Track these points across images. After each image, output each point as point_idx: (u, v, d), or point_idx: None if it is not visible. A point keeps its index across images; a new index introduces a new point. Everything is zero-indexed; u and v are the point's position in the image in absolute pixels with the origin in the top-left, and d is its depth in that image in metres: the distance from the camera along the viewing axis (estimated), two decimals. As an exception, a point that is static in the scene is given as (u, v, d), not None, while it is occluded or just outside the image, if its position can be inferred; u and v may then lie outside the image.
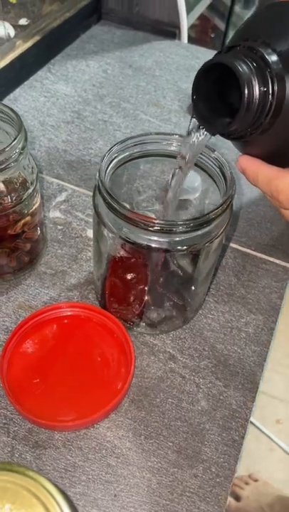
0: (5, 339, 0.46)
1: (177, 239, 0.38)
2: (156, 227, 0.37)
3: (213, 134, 0.34)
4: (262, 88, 0.28)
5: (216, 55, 0.31)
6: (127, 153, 0.42)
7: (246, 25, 0.31)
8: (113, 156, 0.40)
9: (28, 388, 0.43)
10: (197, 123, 0.34)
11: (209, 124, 0.33)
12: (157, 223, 0.37)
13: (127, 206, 0.39)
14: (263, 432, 1.11)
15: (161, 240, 0.38)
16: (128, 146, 0.41)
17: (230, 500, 1.00)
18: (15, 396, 0.42)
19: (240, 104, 0.28)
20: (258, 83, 0.28)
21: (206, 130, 0.34)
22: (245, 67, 0.28)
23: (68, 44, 0.85)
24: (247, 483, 1.07)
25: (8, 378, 0.43)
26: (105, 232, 0.41)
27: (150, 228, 0.37)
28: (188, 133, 0.35)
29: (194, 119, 0.34)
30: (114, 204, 0.37)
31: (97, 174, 0.39)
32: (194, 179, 0.48)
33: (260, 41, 0.29)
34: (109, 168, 0.40)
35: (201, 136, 0.34)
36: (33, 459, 0.40)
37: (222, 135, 0.33)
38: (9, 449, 0.40)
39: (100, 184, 0.38)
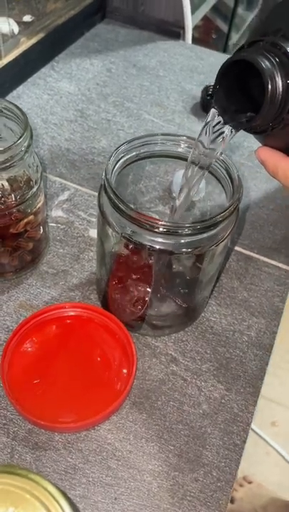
0: (6, 339, 0.46)
1: (182, 241, 0.38)
2: (161, 229, 0.37)
3: (237, 130, 0.34)
4: (285, 83, 0.28)
5: (237, 50, 0.31)
6: (134, 154, 0.41)
7: (267, 18, 0.31)
8: (120, 156, 0.40)
9: (28, 389, 0.43)
10: (218, 120, 0.34)
11: (232, 119, 0.33)
12: (163, 225, 0.36)
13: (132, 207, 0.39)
14: (259, 436, 1.11)
15: (166, 241, 0.38)
16: (135, 146, 0.41)
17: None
18: (15, 396, 0.42)
19: (264, 99, 0.28)
20: (281, 79, 0.28)
21: (229, 125, 0.34)
22: (268, 63, 0.28)
23: (72, 42, 0.84)
24: (241, 485, 1.07)
25: (9, 378, 0.43)
26: (110, 231, 0.41)
27: (156, 229, 0.37)
28: (205, 132, 0.35)
29: (212, 114, 0.34)
30: (120, 204, 0.37)
31: (104, 173, 0.39)
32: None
33: (280, 35, 0.28)
34: (115, 168, 0.40)
35: (226, 134, 0.34)
36: (32, 460, 0.40)
37: (244, 129, 0.33)
38: (9, 450, 0.40)
39: (106, 183, 0.38)
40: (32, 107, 0.71)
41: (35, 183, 0.45)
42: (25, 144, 0.41)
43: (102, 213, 0.40)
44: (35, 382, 0.43)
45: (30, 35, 0.75)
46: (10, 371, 0.43)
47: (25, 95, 0.73)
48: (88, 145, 0.67)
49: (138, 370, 0.45)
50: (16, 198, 0.44)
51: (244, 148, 0.69)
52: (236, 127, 0.33)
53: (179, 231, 0.37)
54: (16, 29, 0.73)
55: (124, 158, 0.41)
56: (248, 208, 0.62)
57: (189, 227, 0.37)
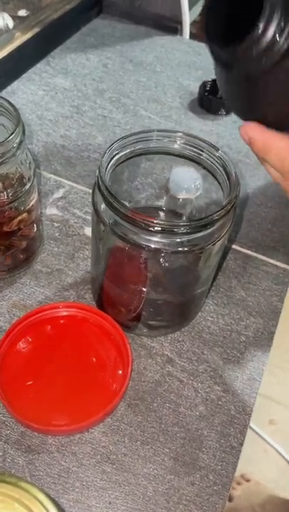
0: (-2, 339, 0.45)
1: (178, 240, 0.37)
2: (157, 228, 0.36)
3: (226, 60, 0.29)
4: None
5: None
6: (128, 150, 0.41)
7: None
8: (114, 153, 0.39)
9: (21, 390, 0.42)
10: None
11: (221, 49, 0.29)
12: (158, 224, 0.36)
13: (127, 204, 0.38)
14: (258, 434, 1.11)
15: (161, 240, 0.37)
16: (130, 142, 0.40)
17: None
18: (8, 398, 0.41)
19: (263, 5, 0.25)
20: None
21: (218, 53, 0.29)
22: None
23: (68, 37, 0.83)
24: (239, 484, 1.06)
25: (1, 380, 0.42)
26: (104, 230, 0.40)
27: (150, 228, 0.36)
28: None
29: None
30: (115, 202, 0.36)
31: (97, 171, 0.38)
32: (195, 178, 0.47)
33: None
34: (109, 165, 0.39)
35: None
36: (25, 464, 0.39)
37: (225, 67, 0.28)
38: (1, 454, 0.39)
39: (100, 181, 0.37)
40: (27, 103, 0.70)
41: (28, 180, 0.44)
42: (17, 141, 0.40)
43: (96, 212, 0.40)
44: (28, 383, 0.43)
45: (25, 29, 0.73)
46: (2, 372, 0.42)
47: (20, 91, 0.72)
48: (84, 141, 0.66)
49: (133, 371, 0.45)
50: (8, 195, 0.43)
51: (242, 145, 0.68)
52: (225, 55, 0.29)
53: (175, 230, 0.36)
54: (10, 24, 0.72)
55: (119, 155, 0.40)
56: (245, 206, 0.61)
57: (185, 225, 0.36)
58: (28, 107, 0.70)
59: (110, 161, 0.39)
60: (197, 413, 0.43)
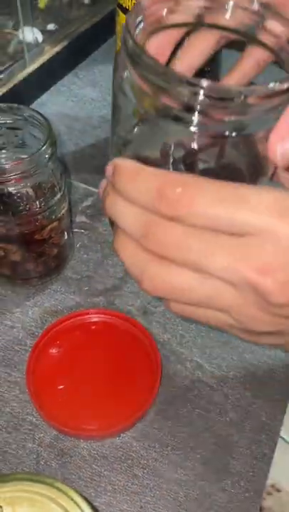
0: (31, 344, 0.46)
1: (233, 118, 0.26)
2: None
3: None
4: None
5: None
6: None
7: None
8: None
9: (53, 395, 0.43)
10: None
11: None
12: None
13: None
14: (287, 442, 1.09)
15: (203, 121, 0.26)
16: None
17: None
18: (39, 402, 0.42)
19: None
20: None
21: None
22: None
23: (95, 49, 0.85)
24: (269, 494, 1.04)
25: (34, 384, 0.43)
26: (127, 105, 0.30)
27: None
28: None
29: None
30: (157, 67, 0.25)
31: (123, 34, 0.27)
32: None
33: None
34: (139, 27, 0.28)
35: None
36: (58, 466, 0.40)
37: None
38: (34, 456, 0.40)
39: (131, 43, 0.26)
40: (56, 114, 0.72)
41: (59, 189, 0.45)
42: (49, 151, 0.41)
43: (123, 93, 0.29)
44: (59, 387, 0.43)
45: (54, 43, 0.75)
46: (35, 377, 0.43)
47: (50, 103, 0.74)
48: (112, 150, 0.67)
49: (163, 377, 0.45)
50: (40, 204, 0.44)
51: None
52: None
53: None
54: (40, 38, 0.74)
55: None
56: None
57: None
58: (57, 118, 0.71)
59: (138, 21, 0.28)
60: (227, 419, 0.43)
